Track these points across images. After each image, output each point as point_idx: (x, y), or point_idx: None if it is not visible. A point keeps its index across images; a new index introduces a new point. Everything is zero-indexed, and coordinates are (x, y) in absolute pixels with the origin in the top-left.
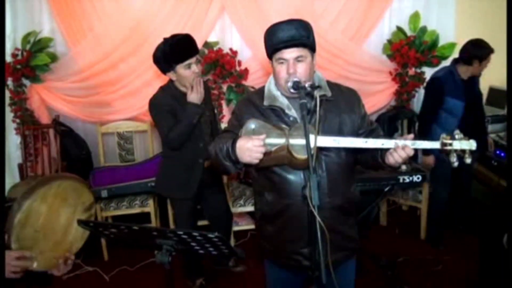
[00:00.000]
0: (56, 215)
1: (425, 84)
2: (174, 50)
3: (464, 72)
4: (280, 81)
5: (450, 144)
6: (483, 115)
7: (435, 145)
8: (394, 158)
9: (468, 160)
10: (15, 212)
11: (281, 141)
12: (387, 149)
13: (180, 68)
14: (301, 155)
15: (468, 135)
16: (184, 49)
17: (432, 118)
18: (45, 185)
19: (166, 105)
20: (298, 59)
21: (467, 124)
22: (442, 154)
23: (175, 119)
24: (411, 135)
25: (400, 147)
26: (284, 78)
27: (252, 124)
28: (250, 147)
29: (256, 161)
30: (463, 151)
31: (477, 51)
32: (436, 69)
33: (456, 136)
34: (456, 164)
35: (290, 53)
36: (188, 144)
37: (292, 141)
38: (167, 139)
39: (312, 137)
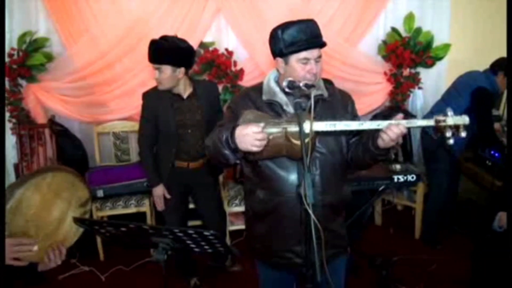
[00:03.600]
0: (48, 207)
1: (419, 85)
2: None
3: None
4: (298, 79)
5: (444, 121)
6: None
7: (429, 122)
8: (388, 136)
9: (463, 134)
10: (7, 200)
11: (279, 129)
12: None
13: None
14: (299, 142)
15: None
16: (149, 51)
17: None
18: (39, 175)
19: (150, 106)
20: (317, 60)
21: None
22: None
23: (153, 122)
24: (401, 115)
25: (394, 125)
26: (304, 78)
27: (249, 115)
28: (249, 133)
29: (254, 148)
30: (457, 126)
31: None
32: (430, 69)
33: (449, 113)
34: (451, 141)
35: (312, 53)
36: (160, 148)
37: (290, 128)
38: (138, 137)
39: (308, 122)
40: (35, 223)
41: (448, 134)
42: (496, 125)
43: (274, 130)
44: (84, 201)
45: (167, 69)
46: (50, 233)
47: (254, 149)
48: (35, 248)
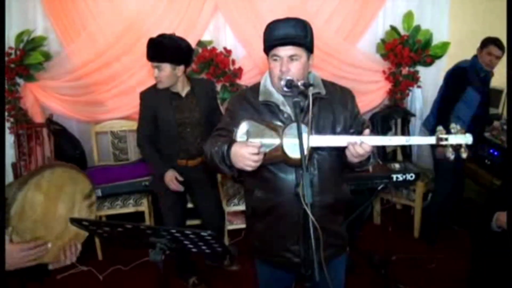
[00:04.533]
0: (54, 204)
1: (419, 82)
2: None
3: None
4: (274, 78)
5: (446, 139)
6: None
7: (430, 140)
8: (350, 152)
9: (464, 155)
10: (10, 205)
11: (275, 141)
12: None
13: None
14: (295, 155)
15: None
16: (148, 49)
17: (453, 106)
18: (37, 174)
19: (149, 106)
20: (292, 58)
21: (478, 118)
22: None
23: (152, 120)
24: (367, 131)
25: (357, 143)
26: (277, 75)
27: (245, 126)
28: (245, 154)
29: (249, 168)
30: (459, 145)
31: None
32: (429, 68)
33: (452, 130)
34: (452, 157)
35: (284, 51)
36: (163, 146)
37: (286, 141)
38: (137, 137)
39: (305, 136)
40: (43, 223)
41: (449, 154)
42: (496, 124)
43: (270, 142)
44: (88, 192)
45: (166, 67)
46: (61, 232)
47: (249, 169)
48: (49, 245)
